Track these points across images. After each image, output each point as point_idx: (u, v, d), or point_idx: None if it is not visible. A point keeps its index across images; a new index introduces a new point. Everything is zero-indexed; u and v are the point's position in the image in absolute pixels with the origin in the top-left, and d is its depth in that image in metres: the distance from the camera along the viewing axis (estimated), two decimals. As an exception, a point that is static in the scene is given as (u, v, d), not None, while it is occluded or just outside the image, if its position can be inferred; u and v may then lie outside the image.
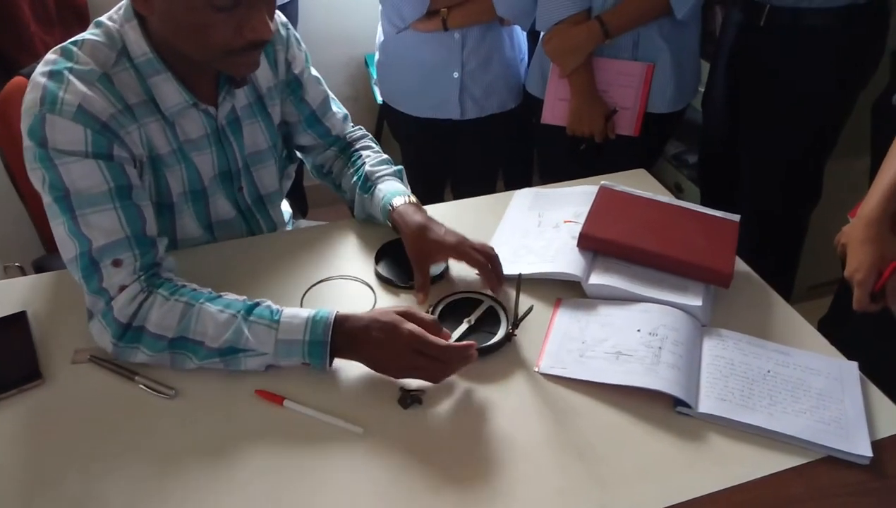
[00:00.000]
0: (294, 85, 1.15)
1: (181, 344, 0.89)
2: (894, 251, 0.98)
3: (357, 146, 1.21)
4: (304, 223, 1.43)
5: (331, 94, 1.22)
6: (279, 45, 1.11)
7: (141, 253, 0.91)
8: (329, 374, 0.91)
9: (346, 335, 0.88)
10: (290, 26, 1.14)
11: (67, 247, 0.89)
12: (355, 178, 1.15)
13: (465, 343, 0.87)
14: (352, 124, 1.25)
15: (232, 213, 1.13)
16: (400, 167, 1.17)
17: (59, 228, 0.89)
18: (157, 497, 0.76)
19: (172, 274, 0.96)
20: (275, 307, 0.90)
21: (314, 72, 1.19)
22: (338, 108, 1.22)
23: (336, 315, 0.88)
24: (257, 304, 0.90)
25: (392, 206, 1.06)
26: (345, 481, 0.79)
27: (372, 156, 1.18)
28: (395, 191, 1.09)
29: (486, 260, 1.00)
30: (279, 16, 1.11)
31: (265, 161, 1.14)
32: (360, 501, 0.77)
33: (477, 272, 1.03)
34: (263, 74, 1.10)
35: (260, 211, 1.18)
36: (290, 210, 1.35)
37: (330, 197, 1.62)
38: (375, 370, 0.89)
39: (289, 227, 1.33)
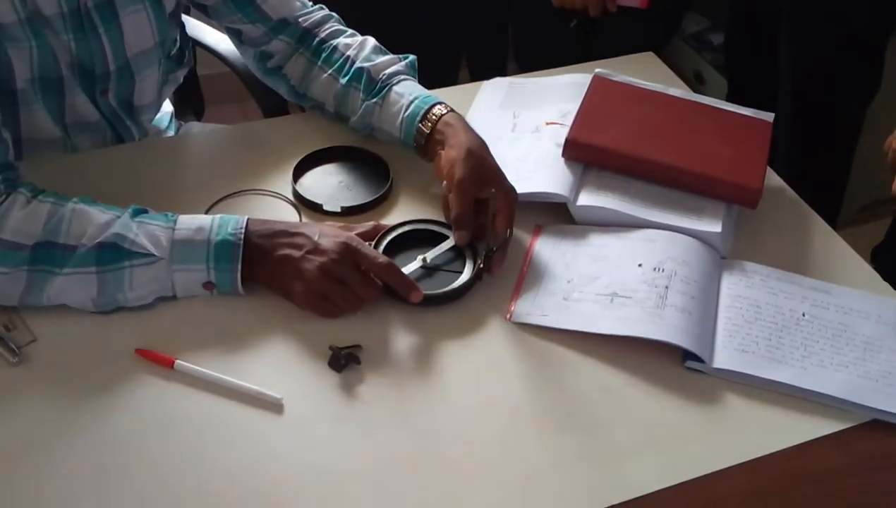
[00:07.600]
0: None
1: (46, 253, 0.88)
2: None
3: (323, 34, 1.16)
4: (196, 126, 1.42)
5: None
6: None
7: None
8: (233, 330, 0.91)
9: (261, 238, 0.92)
10: None
11: None
12: (346, 79, 1.12)
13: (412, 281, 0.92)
14: (310, 3, 1.20)
15: (94, 116, 1.12)
16: (412, 58, 1.14)
17: None
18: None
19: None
20: (169, 214, 0.93)
21: None
22: None
23: (248, 218, 0.93)
24: (146, 210, 0.93)
25: (434, 116, 1.05)
26: (258, 463, 0.79)
27: (356, 45, 1.14)
28: (427, 96, 1.08)
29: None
30: None
31: (146, 66, 1.13)
32: (277, 487, 0.77)
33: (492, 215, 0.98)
34: None
35: (130, 118, 1.17)
36: (170, 108, 1.33)
37: (234, 92, 1.57)
38: (282, 292, 0.93)
39: (170, 132, 1.31)
